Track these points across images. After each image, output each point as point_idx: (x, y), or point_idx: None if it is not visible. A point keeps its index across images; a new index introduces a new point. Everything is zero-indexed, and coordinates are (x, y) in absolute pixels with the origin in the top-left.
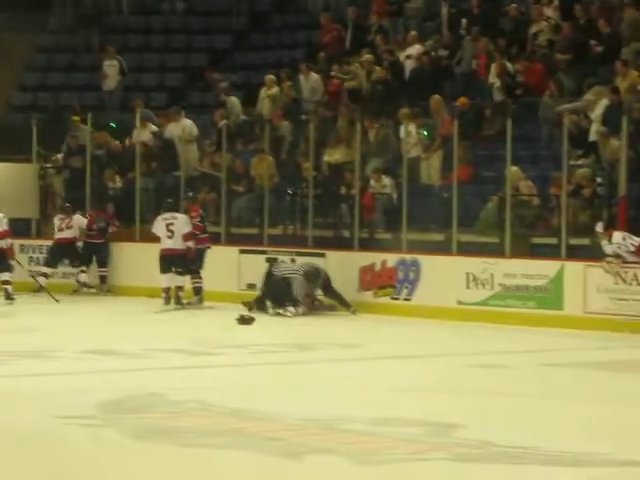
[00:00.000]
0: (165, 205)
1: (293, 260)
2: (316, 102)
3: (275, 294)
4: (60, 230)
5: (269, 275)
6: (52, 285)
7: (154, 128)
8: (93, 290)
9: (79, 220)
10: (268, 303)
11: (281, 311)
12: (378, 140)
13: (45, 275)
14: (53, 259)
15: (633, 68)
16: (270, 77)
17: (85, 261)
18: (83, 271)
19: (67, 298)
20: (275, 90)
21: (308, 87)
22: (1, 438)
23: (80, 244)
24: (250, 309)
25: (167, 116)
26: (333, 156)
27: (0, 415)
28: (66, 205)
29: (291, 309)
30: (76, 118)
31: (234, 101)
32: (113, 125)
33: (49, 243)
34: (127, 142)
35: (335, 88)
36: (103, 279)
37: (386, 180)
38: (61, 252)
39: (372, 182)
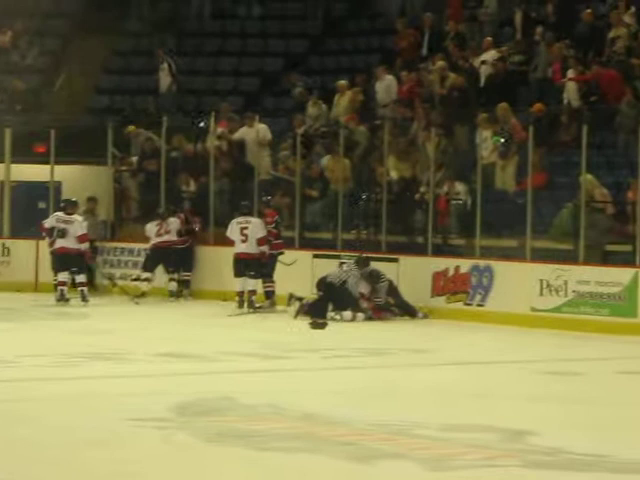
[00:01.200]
0: (240, 209)
1: (342, 264)
2: (391, 102)
3: (335, 299)
4: (159, 235)
5: (326, 284)
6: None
7: (228, 132)
8: (172, 299)
9: (175, 223)
10: (330, 307)
11: (335, 315)
12: (437, 153)
13: (148, 280)
14: (150, 264)
15: None
16: (342, 82)
17: (177, 266)
18: (172, 279)
19: (141, 301)
20: (350, 94)
21: (382, 88)
22: (74, 440)
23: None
24: (296, 316)
25: (241, 120)
26: (399, 172)
27: (73, 417)
28: (159, 211)
29: (346, 314)
30: (132, 128)
31: (323, 107)
32: (203, 123)
33: (124, 245)
34: (200, 146)
35: (407, 94)
36: (187, 283)
37: (460, 186)
38: (158, 257)
39: (445, 188)
